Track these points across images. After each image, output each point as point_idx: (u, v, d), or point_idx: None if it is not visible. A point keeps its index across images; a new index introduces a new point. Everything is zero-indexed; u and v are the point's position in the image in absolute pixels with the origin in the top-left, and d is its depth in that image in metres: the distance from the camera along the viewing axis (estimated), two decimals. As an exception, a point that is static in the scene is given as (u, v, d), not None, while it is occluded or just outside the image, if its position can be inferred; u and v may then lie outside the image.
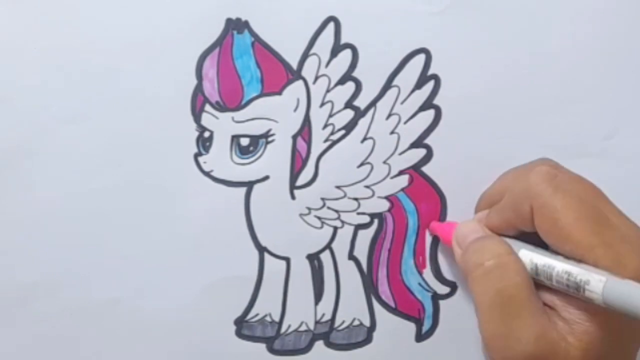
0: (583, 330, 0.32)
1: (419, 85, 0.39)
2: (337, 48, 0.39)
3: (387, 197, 0.40)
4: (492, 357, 0.33)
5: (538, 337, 0.32)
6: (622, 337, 0.33)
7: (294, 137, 0.39)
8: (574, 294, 0.32)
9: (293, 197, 0.40)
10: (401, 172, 0.40)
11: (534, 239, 0.35)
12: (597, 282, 0.31)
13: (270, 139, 0.39)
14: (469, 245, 0.35)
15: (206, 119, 0.39)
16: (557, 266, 0.33)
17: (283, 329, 0.40)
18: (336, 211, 0.40)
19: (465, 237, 0.36)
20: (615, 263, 0.31)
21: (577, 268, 0.32)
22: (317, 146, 0.39)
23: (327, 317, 0.41)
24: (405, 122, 0.40)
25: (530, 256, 0.34)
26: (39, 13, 0.37)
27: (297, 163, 0.39)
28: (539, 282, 0.34)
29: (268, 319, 0.40)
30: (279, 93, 0.39)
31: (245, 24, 0.38)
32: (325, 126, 0.39)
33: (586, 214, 0.32)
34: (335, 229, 0.40)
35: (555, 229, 0.32)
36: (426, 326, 0.41)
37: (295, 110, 0.39)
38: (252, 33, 0.38)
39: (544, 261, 0.33)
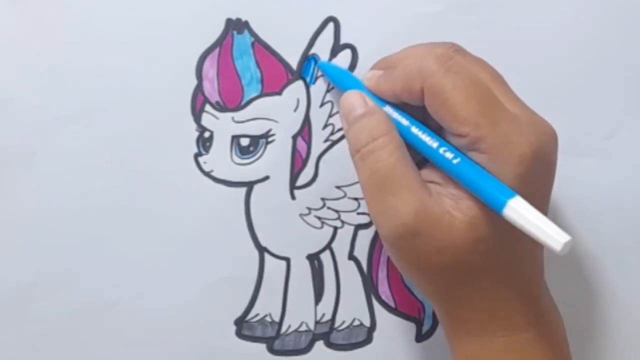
0: (469, 206, 0.32)
1: (419, 85, 0.39)
2: (336, 48, 0.39)
3: (387, 197, 0.40)
4: (380, 235, 0.34)
5: (417, 211, 0.32)
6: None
7: (294, 137, 0.39)
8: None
9: (293, 197, 0.40)
10: (401, 172, 0.40)
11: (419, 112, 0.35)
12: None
13: (270, 139, 0.39)
14: (352, 124, 0.35)
15: (206, 119, 0.39)
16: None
17: (283, 329, 0.40)
18: (336, 211, 0.40)
19: (350, 110, 0.36)
20: (501, 142, 0.32)
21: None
22: (317, 146, 0.39)
23: (327, 317, 0.41)
24: (406, 122, 0.40)
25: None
26: (38, 13, 0.37)
27: (297, 163, 0.39)
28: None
29: (268, 319, 0.40)
30: (279, 93, 0.39)
31: (245, 24, 0.38)
32: (325, 126, 0.39)
33: (475, 94, 0.32)
34: (336, 229, 0.40)
35: (443, 108, 0.33)
36: (426, 326, 0.41)
37: (295, 110, 0.39)
38: (252, 33, 0.38)
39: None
